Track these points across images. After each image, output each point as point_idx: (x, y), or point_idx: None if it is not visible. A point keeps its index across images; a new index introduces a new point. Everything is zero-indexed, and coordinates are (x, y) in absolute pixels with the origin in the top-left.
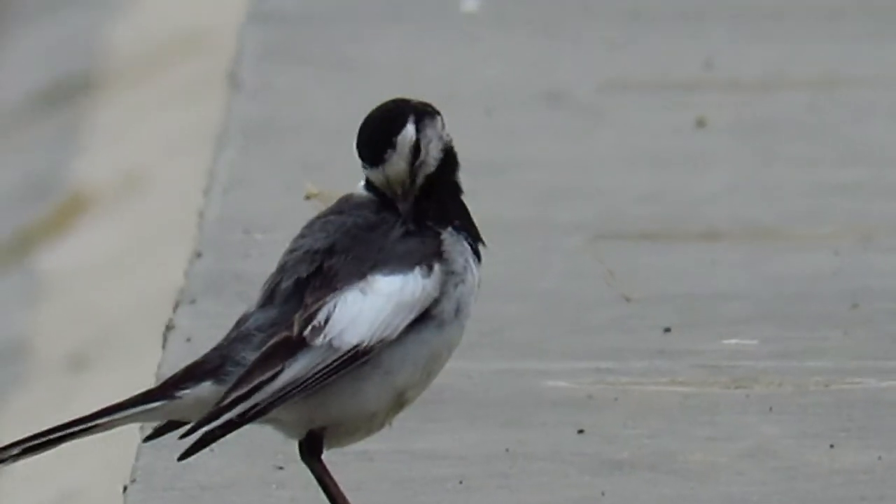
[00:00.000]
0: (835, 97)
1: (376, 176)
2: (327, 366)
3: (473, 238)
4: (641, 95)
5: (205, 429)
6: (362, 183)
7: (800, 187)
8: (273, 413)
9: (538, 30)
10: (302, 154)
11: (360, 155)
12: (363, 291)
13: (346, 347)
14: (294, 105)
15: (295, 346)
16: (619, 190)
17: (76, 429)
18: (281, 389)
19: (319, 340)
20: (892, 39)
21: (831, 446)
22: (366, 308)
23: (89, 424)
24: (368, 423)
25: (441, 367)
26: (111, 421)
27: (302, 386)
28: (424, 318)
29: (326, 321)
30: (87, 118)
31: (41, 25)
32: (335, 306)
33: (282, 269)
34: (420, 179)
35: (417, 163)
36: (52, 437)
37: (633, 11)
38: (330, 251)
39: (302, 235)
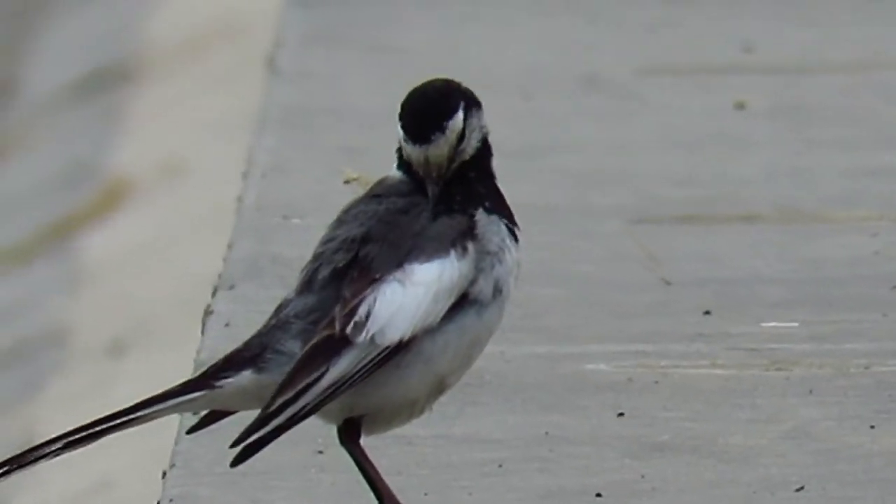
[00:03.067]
0: (873, 80)
1: (416, 154)
2: (371, 361)
3: (508, 220)
4: (680, 79)
5: (255, 436)
6: (395, 164)
7: (838, 170)
8: None
9: (575, 13)
10: (340, 139)
11: (405, 129)
12: (402, 283)
13: (388, 343)
14: (332, 90)
15: (338, 344)
16: (658, 173)
17: (117, 421)
18: (327, 389)
19: (362, 338)
20: None
21: (872, 428)
22: (406, 301)
23: (130, 417)
24: (409, 410)
25: (481, 351)
26: (152, 413)
27: (348, 383)
28: (463, 302)
29: (367, 316)
30: (126, 105)
31: (81, 13)
32: (375, 300)
33: (318, 257)
34: (455, 165)
35: (459, 149)
36: (93, 430)
37: None
38: (365, 239)
39: (338, 224)
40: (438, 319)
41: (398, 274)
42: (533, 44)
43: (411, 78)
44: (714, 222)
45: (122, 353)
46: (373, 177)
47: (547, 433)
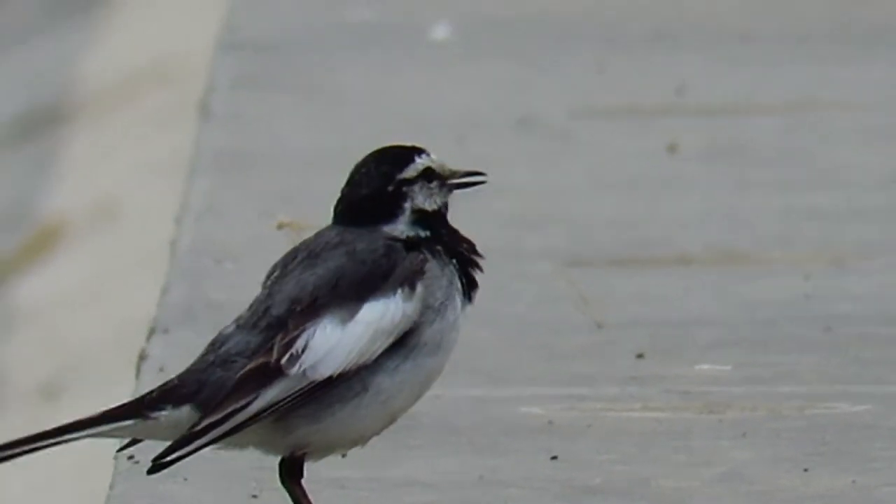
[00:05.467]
0: (806, 121)
1: (426, 161)
2: (300, 392)
3: (467, 256)
4: (613, 121)
5: (178, 453)
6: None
7: (771, 212)
8: (267, 436)
9: (508, 57)
10: (273, 183)
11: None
12: (343, 319)
13: (320, 378)
14: (265, 134)
15: (271, 373)
16: (591, 216)
17: (48, 441)
18: (254, 415)
19: (295, 370)
20: (864, 63)
21: (805, 470)
22: (344, 338)
23: (61, 437)
24: (357, 444)
25: (429, 389)
26: (83, 435)
27: (274, 409)
28: (414, 344)
29: (304, 349)
30: (59, 148)
31: (13, 56)
32: (314, 333)
33: (271, 294)
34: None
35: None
36: (22, 447)
37: (605, 38)
38: (323, 284)
39: (303, 261)
40: (374, 358)
41: (341, 310)
42: (467, 87)
43: (344, 122)
44: (647, 265)
45: (55, 395)
46: (306, 221)
47: (480, 477)
